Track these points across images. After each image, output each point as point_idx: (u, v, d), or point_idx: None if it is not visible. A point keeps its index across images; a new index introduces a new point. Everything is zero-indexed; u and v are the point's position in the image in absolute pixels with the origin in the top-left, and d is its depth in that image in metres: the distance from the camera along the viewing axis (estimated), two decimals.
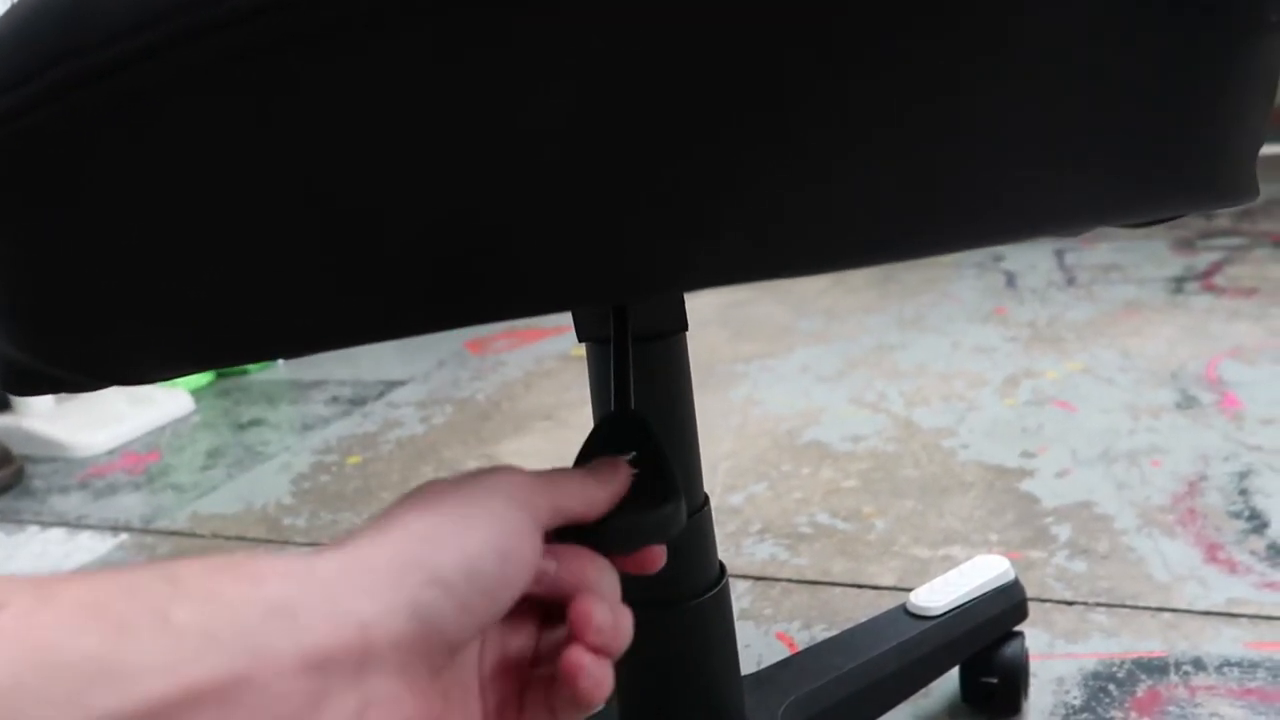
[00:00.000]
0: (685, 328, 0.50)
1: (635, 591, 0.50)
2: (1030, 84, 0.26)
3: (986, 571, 0.68)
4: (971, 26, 0.24)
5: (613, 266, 0.27)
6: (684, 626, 0.50)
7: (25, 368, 0.34)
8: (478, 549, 0.27)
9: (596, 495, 0.33)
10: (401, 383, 1.70)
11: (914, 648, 0.62)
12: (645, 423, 0.36)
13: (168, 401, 1.65)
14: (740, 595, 0.89)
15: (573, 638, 0.30)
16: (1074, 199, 0.28)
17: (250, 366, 1.89)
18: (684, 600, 0.50)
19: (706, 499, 0.51)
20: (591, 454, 0.35)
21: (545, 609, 0.32)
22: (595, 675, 0.29)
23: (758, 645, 0.82)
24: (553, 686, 0.31)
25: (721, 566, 0.53)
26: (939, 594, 0.66)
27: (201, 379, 1.84)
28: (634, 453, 0.35)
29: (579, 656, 0.29)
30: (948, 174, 0.26)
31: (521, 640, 0.32)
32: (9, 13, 0.27)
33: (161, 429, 1.60)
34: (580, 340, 0.50)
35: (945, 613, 0.64)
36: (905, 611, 0.65)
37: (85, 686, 0.20)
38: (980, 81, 0.25)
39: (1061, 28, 0.25)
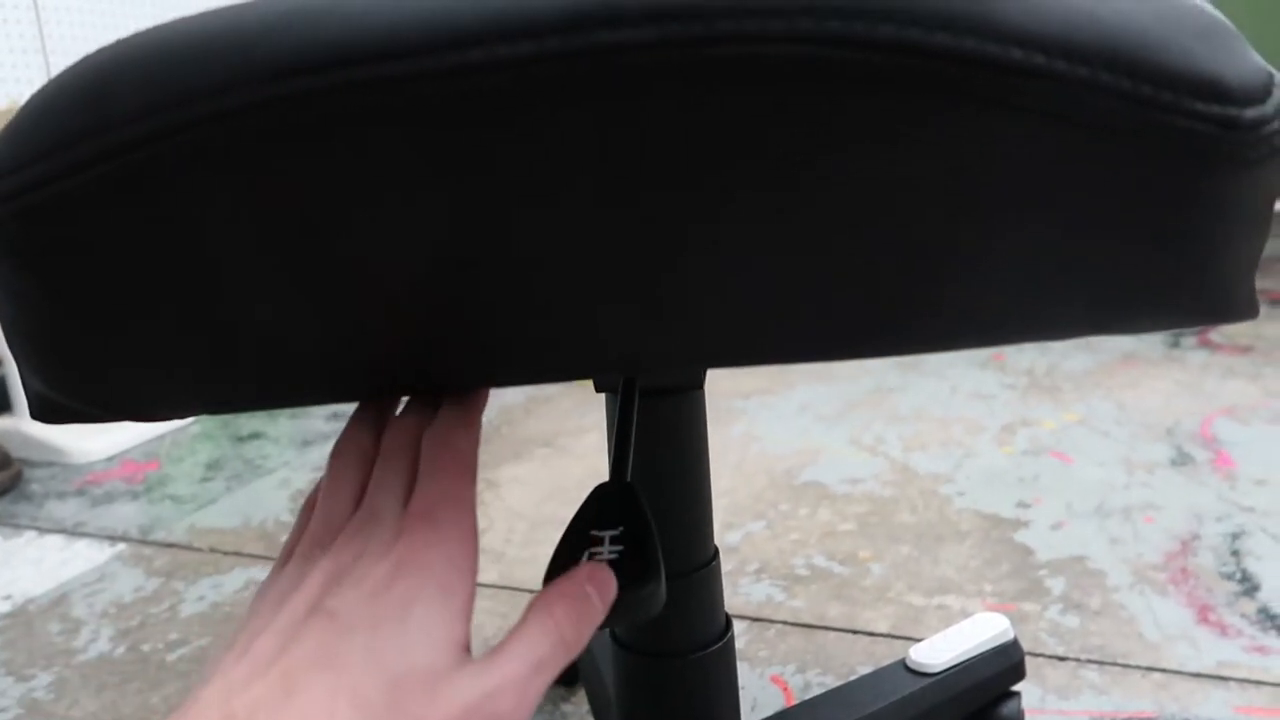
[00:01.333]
0: (700, 384, 0.51)
1: (642, 642, 0.51)
2: (995, 217, 0.27)
3: (986, 630, 0.69)
4: (942, 166, 0.26)
5: (600, 349, 0.29)
6: (688, 678, 0.51)
7: (51, 400, 0.35)
8: None
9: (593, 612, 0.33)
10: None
11: (913, 704, 0.63)
12: (636, 495, 0.37)
13: None
14: (737, 635, 0.90)
15: None
16: (1048, 318, 0.30)
17: None
18: (689, 652, 0.51)
19: (716, 552, 0.52)
20: (581, 528, 0.36)
21: None
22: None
23: (752, 688, 0.82)
24: None
25: (727, 619, 0.53)
26: (939, 651, 0.66)
27: None
28: (620, 528, 0.36)
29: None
30: (919, 297, 0.28)
31: None
32: (39, 94, 0.30)
33: (160, 438, 1.61)
34: (597, 391, 0.51)
35: (945, 670, 0.65)
36: (905, 667, 0.66)
37: None
38: (947, 217, 0.27)
39: (1027, 162, 0.26)
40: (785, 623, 0.92)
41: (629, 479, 0.40)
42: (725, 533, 1.11)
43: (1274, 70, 0.29)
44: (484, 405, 0.36)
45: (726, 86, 0.23)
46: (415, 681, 0.28)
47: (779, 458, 1.33)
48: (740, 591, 0.98)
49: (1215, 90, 0.27)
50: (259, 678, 0.28)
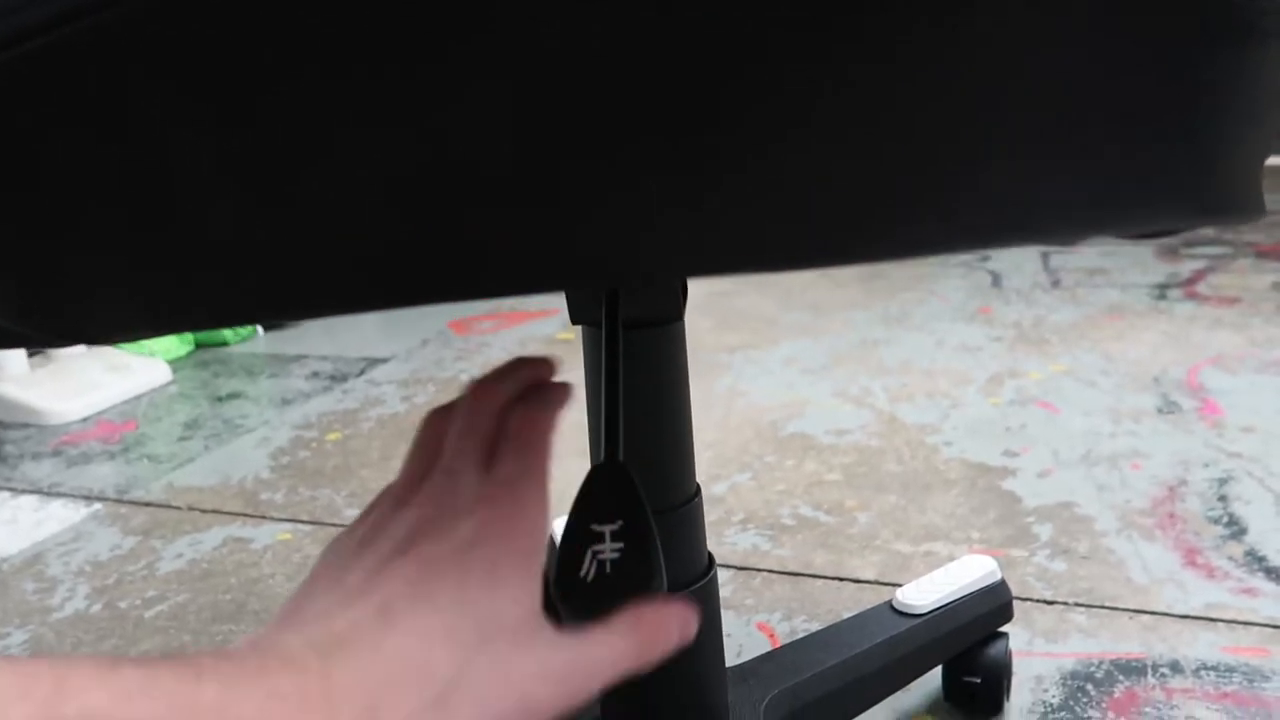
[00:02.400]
0: (679, 316, 0.49)
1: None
2: (1010, 85, 0.25)
3: (974, 571, 0.68)
4: (948, 25, 0.23)
5: (600, 249, 0.27)
6: None
7: None
8: None
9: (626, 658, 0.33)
10: (383, 360, 1.68)
11: (899, 645, 0.62)
12: (633, 483, 0.36)
13: (144, 371, 1.63)
14: (722, 584, 0.89)
15: None
16: (1059, 205, 0.28)
17: (229, 338, 1.87)
18: (671, 589, 0.49)
19: (698, 490, 0.51)
20: (582, 522, 0.36)
21: None
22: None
23: (738, 635, 0.81)
24: None
25: (710, 558, 0.52)
26: (926, 592, 0.66)
27: (180, 350, 1.82)
28: (620, 521, 0.35)
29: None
30: (925, 169, 0.26)
31: None
32: None
33: (138, 398, 1.58)
34: (574, 323, 0.49)
35: (931, 611, 0.64)
36: (891, 608, 0.65)
37: None
38: (958, 79, 0.24)
39: (1044, 25, 0.24)
40: (771, 571, 0.91)
41: (620, 455, 0.39)
42: (711, 484, 1.10)
43: None
44: (569, 397, 0.37)
45: None
46: (505, 632, 0.29)
47: (764, 410, 1.31)
48: (726, 541, 0.97)
49: None
50: (356, 605, 0.28)
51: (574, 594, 0.34)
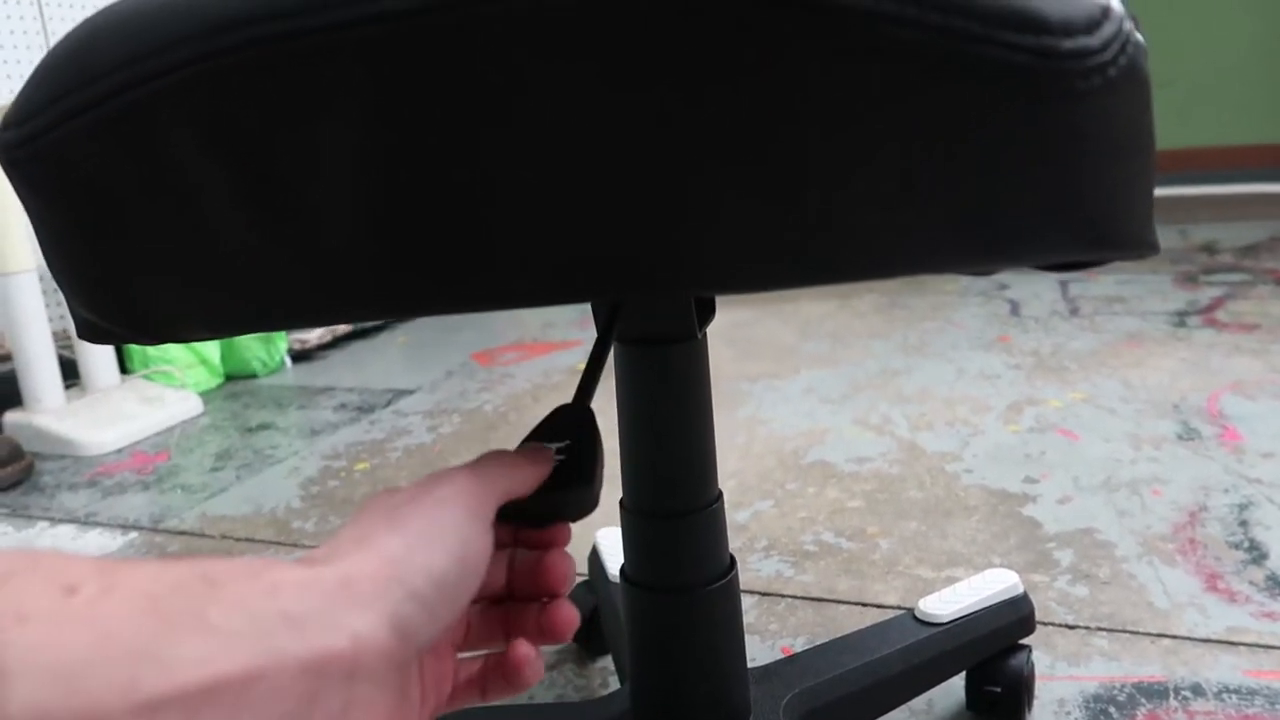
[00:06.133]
0: (694, 335, 0.52)
1: (651, 578, 0.52)
2: (851, 147, 0.29)
3: (996, 584, 0.69)
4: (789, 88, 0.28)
5: (612, 261, 0.30)
6: (693, 613, 0.52)
7: (95, 325, 0.40)
8: (443, 564, 0.31)
9: (527, 476, 0.38)
10: (409, 392, 1.71)
11: (919, 652, 0.63)
12: (589, 416, 0.41)
13: (176, 403, 1.66)
14: (746, 610, 0.91)
15: (518, 633, 0.37)
16: (911, 247, 0.31)
17: (258, 369, 1.91)
18: (694, 587, 0.52)
19: (720, 494, 0.53)
20: (536, 438, 0.41)
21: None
22: (536, 666, 0.36)
23: (763, 659, 0.82)
24: (486, 669, 0.37)
25: (732, 559, 0.54)
26: (948, 602, 0.67)
27: (210, 382, 1.86)
28: (568, 441, 0.40)
29: (525, 650, 0.36)
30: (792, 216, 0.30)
31: (455, 628, 0.38)
32: (45, 56, 0.36)
33: (170, 430, 1.62)
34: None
35: (953, 620, 0.65)
36: (913, 617, 0.67)
37: (138, 670, 0.23)
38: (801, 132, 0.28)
39: (866, 96, 0.28)
40: (795, 597, 0.92)
41: (589, 404, 0.43)
42: (734, 512, 1.11)
43: (1113, 5, 0.30)
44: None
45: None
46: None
47: (786, 439, 1.33)
48: (750, 568, 0.98)
49: (1029, 22, 0.28)
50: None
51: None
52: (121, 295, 0.36)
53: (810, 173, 0.29)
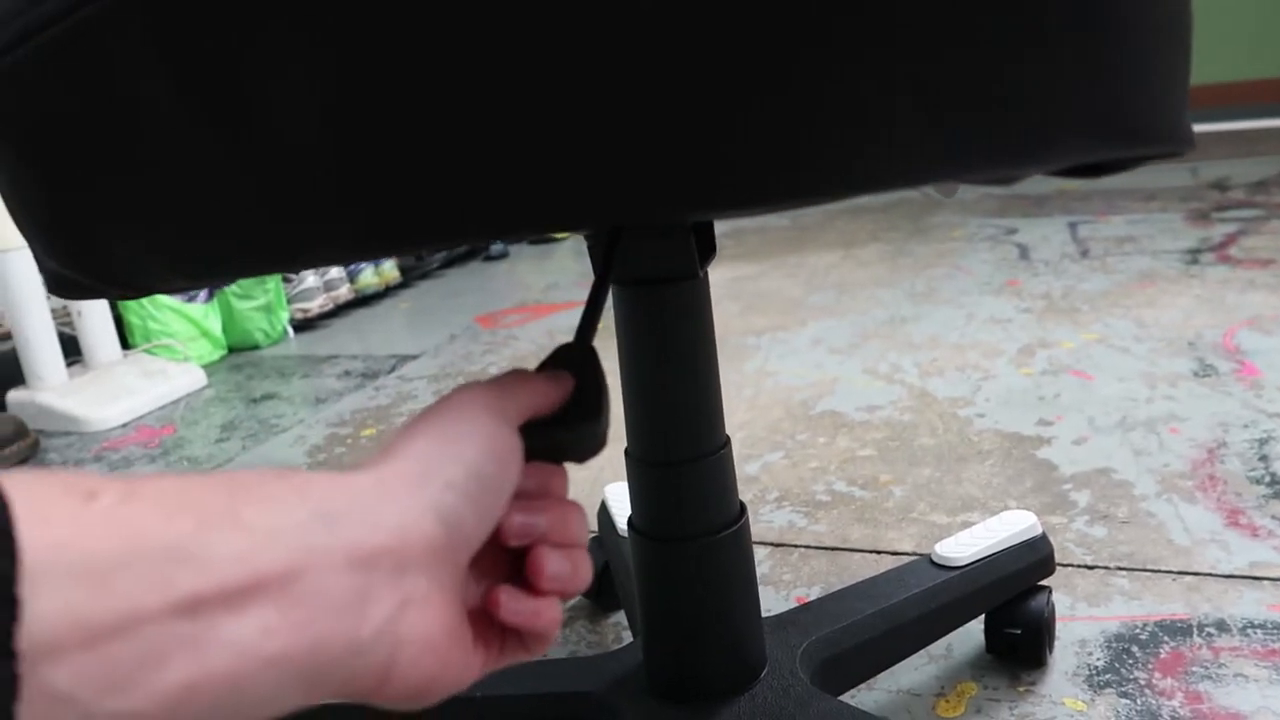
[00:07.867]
0: (695, 274, 0.50)
1: (659, 528, 0.50)
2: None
3: (1013, 525, 0.68)
4: None
5: (604, 186, 0.28)
6: (704, 562, 0.51)
7: (63, 277, 0.38)
8: (475, 456, 0.31)
9: (548, 391, 0.37)
10: (413, 356, 1.70)
11: (937, 596, 0.62)
12: (593, 355, 0.40)
13: (180, 376, 1.65)
14: (759, 561, 0.89)
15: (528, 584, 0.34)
16: (937, 148, 0.28)
17: (260, 341, 1.89)
18: (704, 535, 0.50)
19: (728, 440, 0.52)
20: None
21: (511, 558, 0.35)
22: (548, 615, 0.33)
23: (777, 609, 0.81)
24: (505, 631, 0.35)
25: (742, 506, 0.53)
26: (965, 545, 0.65)
27: (213, 354, 1.84)
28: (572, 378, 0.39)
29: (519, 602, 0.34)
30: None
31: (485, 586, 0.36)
32: None
33: (175, 403, 1.61)
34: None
35: (970, 563, 0.64)
36: (930, 562, 0.65)
37: (173, 568, 0.22)
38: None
39: None
40: (808, 546, 0.91)
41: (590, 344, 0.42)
42: (744, 464, 1.10)
43: None
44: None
45: None
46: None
47: (794, 389, 1.31)
48: (761, 519, 0.97)
49: None
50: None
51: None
52: (83, 239, 0.34)
53: (833, 60, 0.26)
